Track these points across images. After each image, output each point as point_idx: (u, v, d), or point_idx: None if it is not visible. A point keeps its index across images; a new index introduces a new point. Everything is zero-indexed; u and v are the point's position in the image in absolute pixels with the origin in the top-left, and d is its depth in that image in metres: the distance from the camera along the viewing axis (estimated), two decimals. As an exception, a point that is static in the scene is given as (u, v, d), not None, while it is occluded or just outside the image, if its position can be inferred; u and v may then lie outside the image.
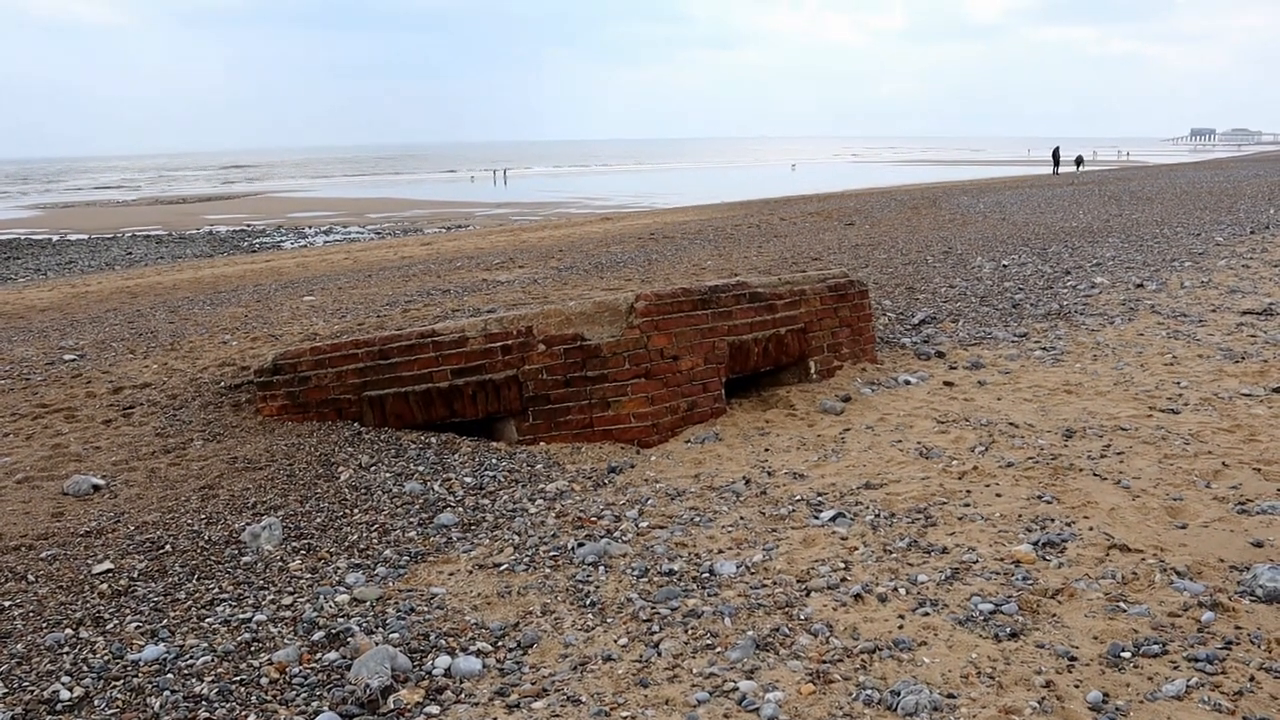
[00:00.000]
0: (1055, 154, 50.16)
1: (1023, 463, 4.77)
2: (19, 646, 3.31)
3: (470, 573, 3.89)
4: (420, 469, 5.07)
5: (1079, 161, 51.07)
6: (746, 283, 6.25)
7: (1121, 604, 3.29)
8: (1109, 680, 2.85)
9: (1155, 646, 3.00)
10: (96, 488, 4.84)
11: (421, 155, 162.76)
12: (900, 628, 3.20)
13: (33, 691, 3.05)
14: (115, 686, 3.07)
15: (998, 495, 4.38)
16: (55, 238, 32.70)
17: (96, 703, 3.00)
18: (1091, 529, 3.92)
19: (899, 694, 2.79)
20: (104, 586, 3.75)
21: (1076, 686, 2.82)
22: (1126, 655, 2.97)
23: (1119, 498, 4.27)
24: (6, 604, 3.62)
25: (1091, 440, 5.08)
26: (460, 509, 4.58)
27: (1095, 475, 4.56)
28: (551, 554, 4.02)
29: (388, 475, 4.96)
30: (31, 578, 3.83)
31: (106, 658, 3.24)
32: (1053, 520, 4.04)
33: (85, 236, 32.84)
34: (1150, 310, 8.50)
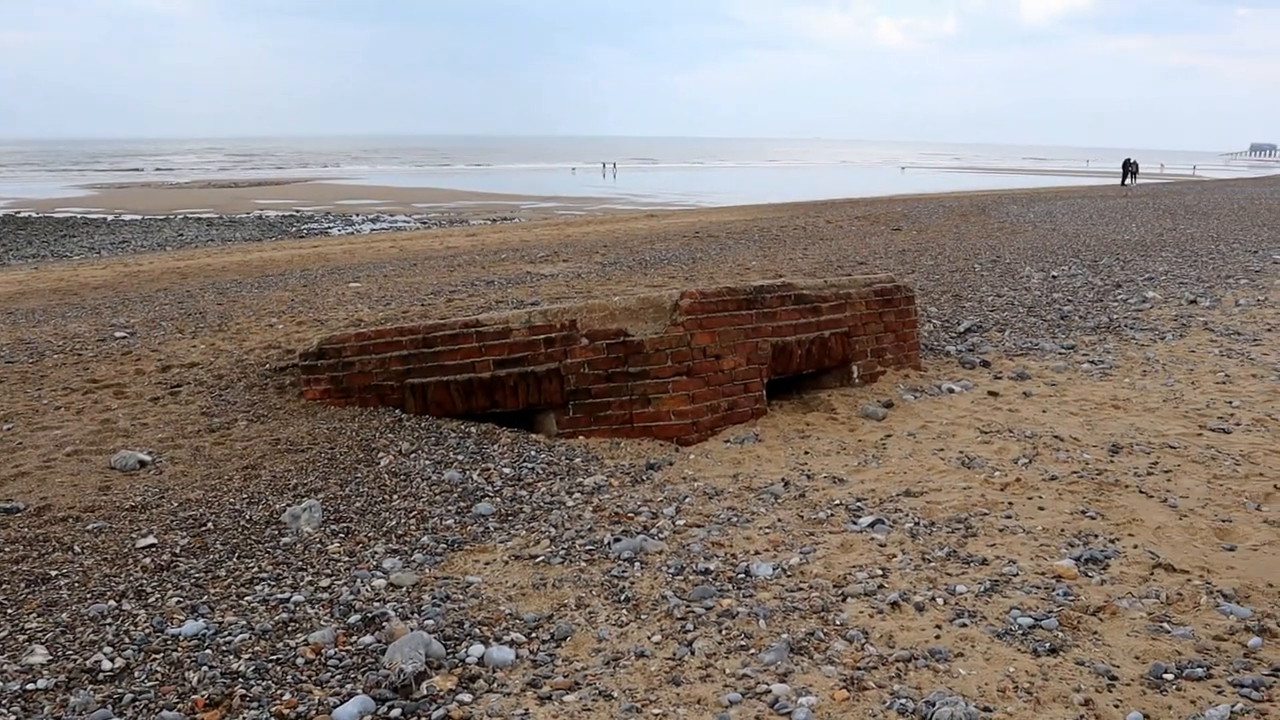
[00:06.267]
0: (1125, 165, 45.05)
1: (1067, 477, 4.70)
2: (64, 616, 3.38)
3: (506, 563, 3.90)
4: (460, 458, 5.09)
5: (1134, 172, 46.63)
6: (792, 284, 6.21)
7: (1165, 624, 3.23)
8: (1150, 702, 2.79)
9: (1199, 670, 2.94)
10: (143, 463, 4.92)
11: (477, 148, 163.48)
12: (937, 638, 3.16)
13: (76, 660, 3.11)
14: (155, 659, 3.12)
15: (1040, 508, 4.31)
16: (110, 217, 33.28)
17: (137, 674, 3.04)
18: (1136, 547, 3.85)
19: (934, 705, 2.76)
20: (147, 561, 3.82)
21: (1116, 706, 2.77)
22: (1169, 677, 2.91)
23: (1165, 516, 4.19)
24: (54, 574, 3.69)
25: (1138, 457, 4.99)
26: (498, 499, 4.60)
27: (1141, 492, 4.48)
28: (587, 548, 4.02)
29: (427, 463, 4.99)
30: (78, 549, 3.91)
31: (147, 630, 3.30)
32: (1096, 536, 3.97)
33: (139, 217, 33.38)
34: (1203, 327, 8.34)
